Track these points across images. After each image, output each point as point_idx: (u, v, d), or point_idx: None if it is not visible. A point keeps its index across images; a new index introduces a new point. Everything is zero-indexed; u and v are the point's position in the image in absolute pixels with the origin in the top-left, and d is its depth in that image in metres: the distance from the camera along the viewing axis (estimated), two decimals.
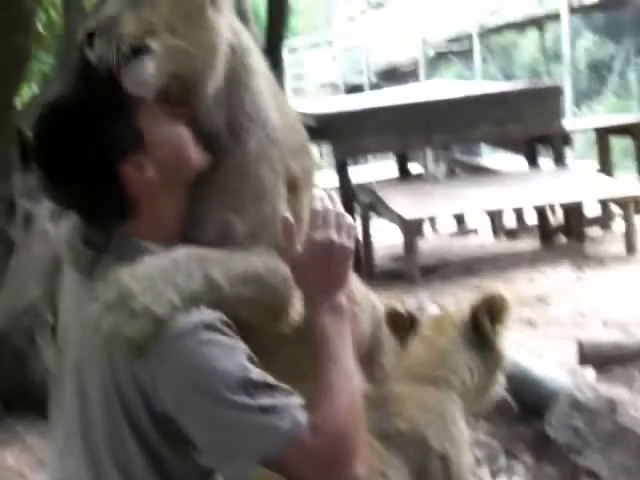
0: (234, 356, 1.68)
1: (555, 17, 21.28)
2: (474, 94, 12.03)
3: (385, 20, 26.84)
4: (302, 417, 1.67)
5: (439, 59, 26.20)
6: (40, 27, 8.32)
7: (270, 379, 1.70)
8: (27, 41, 4.56)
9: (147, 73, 1.69)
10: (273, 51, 11.31)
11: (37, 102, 5.33)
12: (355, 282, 2.21)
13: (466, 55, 24.95)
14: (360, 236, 11.19)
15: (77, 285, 1.88)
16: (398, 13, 26.44)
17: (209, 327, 1.69)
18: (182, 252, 1.71)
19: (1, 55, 4.46)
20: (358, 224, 11.32)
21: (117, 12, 1.70)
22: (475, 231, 13.55)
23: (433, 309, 4.56)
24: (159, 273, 1.66)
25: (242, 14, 12.85)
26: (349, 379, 1.76)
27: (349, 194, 11.67)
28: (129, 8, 1.70)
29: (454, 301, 7.48)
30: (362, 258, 11.13)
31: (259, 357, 1.75)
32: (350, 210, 11.66)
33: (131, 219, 1.79)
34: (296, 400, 1.70)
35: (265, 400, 1.66)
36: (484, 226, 13.09)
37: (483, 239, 12.69)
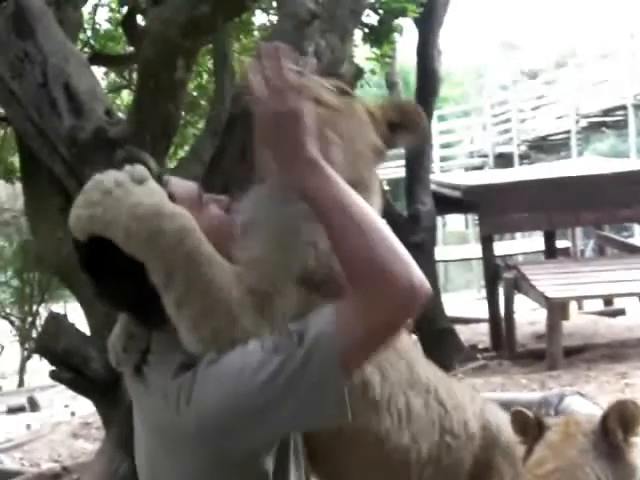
0: (235, 356, 1.67)
1: None
2: (625, 171, 11.71)
3: (539, 90, 26.60)
4: (325, 315, 1.65)
5: (592, 131, 25.68)
6: (193, 92, 8.55)
7: (270, 335, 1.68)
8: (176, 109, 4.62)
9: None
10: None
11: (184, 166, 5.41)
12: (468, 402, 2.14)
13: (620, 127, 24.38)
14: (503, 313, 10.96)
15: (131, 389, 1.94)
16: (552, 83, 26.18)
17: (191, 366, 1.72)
18: None
19: (149, 124, 4.54)
20: (501, 300, 11.09)
21: None
22: (623, 311, 13.09)
23: (573, 400, 4.36)
24: None
25: (391, 85, 12.97)
26: (361, 213, 1.66)
27: (493, 269, 11.48)
28: None
29: (596, 389, 7.19)
30: (503, 336, 10.89)
31: None
32: (494, 285, 11.46)
33: None
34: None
35: (288, 343, 1.64)
36: (633, 306, 12.63)
37: (631, 321, 12.23)
